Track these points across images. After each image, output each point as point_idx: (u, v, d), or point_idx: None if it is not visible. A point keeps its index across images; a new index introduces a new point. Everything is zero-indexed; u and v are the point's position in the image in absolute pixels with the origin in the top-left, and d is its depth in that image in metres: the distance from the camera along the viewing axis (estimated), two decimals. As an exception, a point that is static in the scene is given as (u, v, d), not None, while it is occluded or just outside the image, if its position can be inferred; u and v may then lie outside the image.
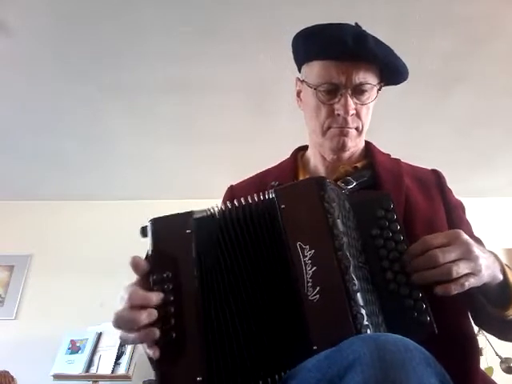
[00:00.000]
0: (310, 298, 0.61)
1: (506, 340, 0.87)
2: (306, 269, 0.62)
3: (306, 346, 0.59)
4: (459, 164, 3.24)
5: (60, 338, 2.83)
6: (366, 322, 0.59)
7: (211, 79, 2.42)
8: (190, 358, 0.63)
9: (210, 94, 2.53)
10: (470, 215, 0.96)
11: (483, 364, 2.01)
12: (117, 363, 2.59)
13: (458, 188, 1.03)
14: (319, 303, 0.60)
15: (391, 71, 0.91)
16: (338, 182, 0.82)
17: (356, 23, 0.92)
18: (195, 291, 0.66)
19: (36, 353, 3.07)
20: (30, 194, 3.67)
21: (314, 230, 0.64)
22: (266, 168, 1.06)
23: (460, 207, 0.94)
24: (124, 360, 2.59)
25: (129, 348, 2.62)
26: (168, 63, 2.30)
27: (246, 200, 0.71)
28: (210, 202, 0.79)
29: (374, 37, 0.88)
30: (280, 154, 1.08)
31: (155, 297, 0.65)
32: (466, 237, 0.68)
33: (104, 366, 2.59)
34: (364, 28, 0.92)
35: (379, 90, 0.92)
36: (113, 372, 2.56)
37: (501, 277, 0.72)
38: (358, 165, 0.95)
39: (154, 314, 0.64)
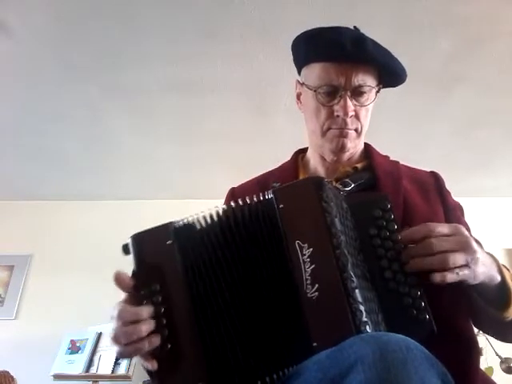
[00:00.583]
0: (308, 295, 0.61)
1: (505, 341, 0.87)
2: (304, 267, 0.62)
3: (305, 343, 0.59)
4: (459, 164, 3.24)
5: (60, 338, 2.83)
6: (364, 319, 0.59)
7: (211, 79, 2.42)
8: (190, 365, 0.64)
9: (210, 94, 2.53)
10: (470, 215, 0.96)
11: (483, 364, 2.01)
12: (117, 363, 2.59)
13: (457, 188, 1.03)
14: (318, 300, 0.61)
15: (389, 73, 0.93)
16: (336, 184, 0.83)
17: (355, 27, 0.94)
18: (185, 299, 0.67)
19: (36, 353, 3.07)
20: (30, 194, 3.67)
21: (313, 228, 0.64)
22: (267, 170, 1.07)
23: (459, 209, 0.95)
24: (124, 360, 2.58)
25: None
26: (168, 63, 2.30)
27: (245, 201, 0.72)
28: (210, 201, 0.80)
29: (372, 40, 0.90)
30: (280, 154, 1.08)
31: (145, 311, 0.65)
32: (466, 232, 0.70)
33: (104, 365, 2.59)
34: (364, 28, 0.94)
35: (378, 92, 0.94)
36: (113, 372, 2.56)
37: (498, 278, 0.73)
38: (358, 166, 0.96)
39: (147, 325, 0.64)
